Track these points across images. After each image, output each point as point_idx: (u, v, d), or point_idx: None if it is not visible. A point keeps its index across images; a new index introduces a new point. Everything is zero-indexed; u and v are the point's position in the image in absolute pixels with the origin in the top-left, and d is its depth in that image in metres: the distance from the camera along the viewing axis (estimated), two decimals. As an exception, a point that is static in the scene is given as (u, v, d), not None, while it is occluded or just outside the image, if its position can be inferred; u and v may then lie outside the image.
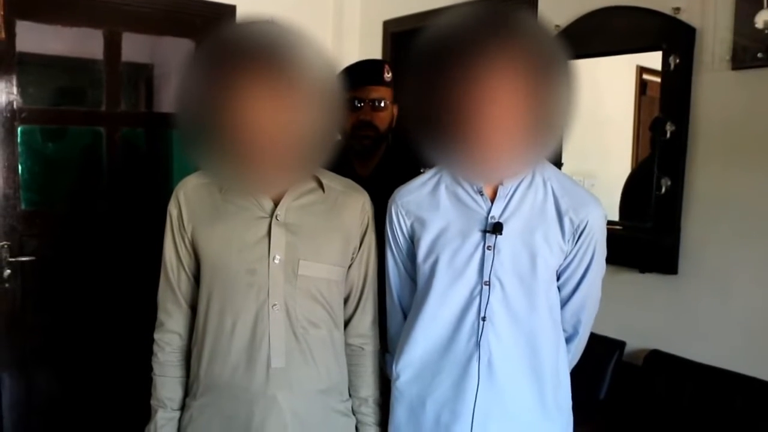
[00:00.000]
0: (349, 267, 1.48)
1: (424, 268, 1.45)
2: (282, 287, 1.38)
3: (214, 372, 1.40)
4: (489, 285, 1.38)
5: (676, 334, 2.18)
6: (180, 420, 1.47)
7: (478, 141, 1.16)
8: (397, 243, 1.52)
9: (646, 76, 2.38)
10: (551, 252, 1.39)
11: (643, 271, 2.23)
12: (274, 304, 1.37)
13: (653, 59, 2.21)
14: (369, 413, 1.51)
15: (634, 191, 2.37)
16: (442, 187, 1.46)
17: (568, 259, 1.42)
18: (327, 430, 1.45)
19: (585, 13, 2.29)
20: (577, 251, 1.41)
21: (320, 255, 1.41)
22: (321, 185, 1.44)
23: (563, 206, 1.39)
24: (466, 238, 1.40)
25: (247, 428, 1.39)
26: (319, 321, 1.42)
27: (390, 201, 1.52)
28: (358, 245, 1.48)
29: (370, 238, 1.51)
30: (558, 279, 1.45)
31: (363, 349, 1.51)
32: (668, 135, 2.15)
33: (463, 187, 1.43)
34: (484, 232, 1.39)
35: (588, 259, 1.42)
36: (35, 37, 2.74)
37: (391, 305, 1.58)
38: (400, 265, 1.54)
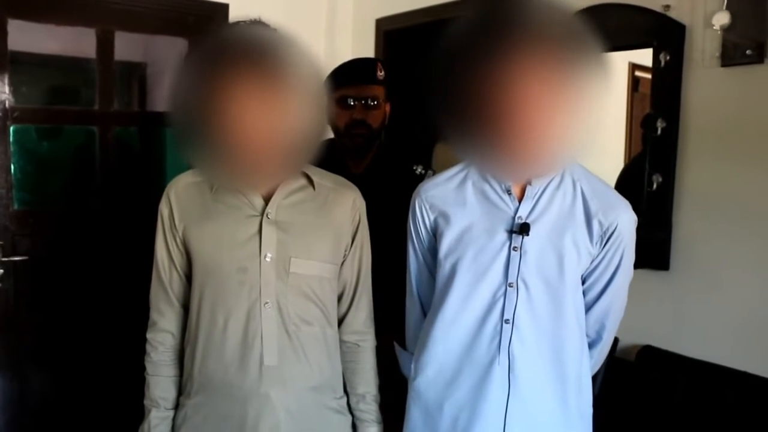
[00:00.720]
0: (342, 264, 1.48)
1: (445, 265, 1.42)
2: (274, 285, 1.38)
3: (208, 370, 1.41)
4: (514, 287, 1.35)
5: (668, 329, 2.19)
6: (174, 419, 1.47)
7: (509, 137, 1.10)
8: (420, 237, 1.50)
9: (638, 73, 2.39)
10: (578, 255, 1.36)
11: (635, 266, 2.23)
12: (266, 302, 1.38)
13: (645, 56, 2.22)
14: (367, 410, 1.51)
15: (626, 187, 2.37)
16: (469, 184, 1.43)
17: (595, 263, 1.39)
18: (320, 428, 1.45)
19: (576, 11, 2.29)
20: (605, 255, 1.38)
21: (312, 252, 1.41)
22: (311, 182, 1.45)
23: (592, 208, 1.36)
24: (492, 238, 1.37)
25: (241, 426, 1.39)
26: (311, 318, 1.42)
27: (414, 194, 1.50)
28: (350, 242, 1.48)
29: (362, 235, 1.51)
30: (583, 283, 1.42)
31: (359, 345, 1.52)
32: (659, 132, 2.15)
33: (490, 185, 1.40)
34: (511, 232, 1.36)
35: (615, 263, 1.39)
36: (27, 36, 2.73)
37: (411, 298, 1.57)
38: (420, 257, 1.52)
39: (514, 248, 1.35)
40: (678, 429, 2.07)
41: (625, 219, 1.37)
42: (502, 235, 1.37)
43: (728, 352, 2.03)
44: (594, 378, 2.26)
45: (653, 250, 2.18)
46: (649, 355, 2.20)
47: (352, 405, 1.51)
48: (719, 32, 1.99)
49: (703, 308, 2.11)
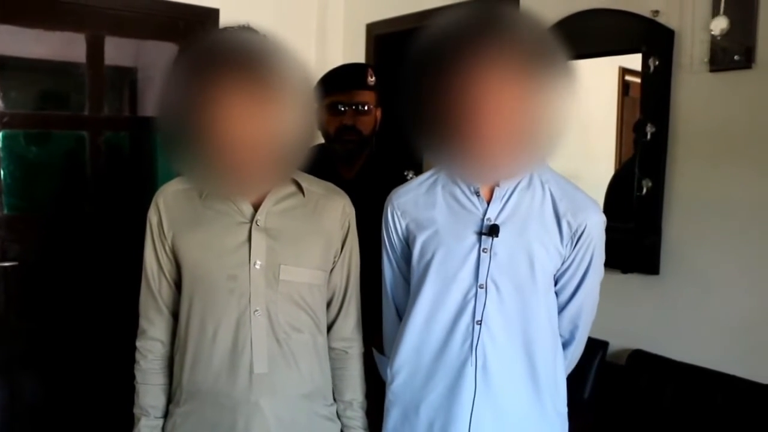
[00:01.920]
0: (331, 271, 1.48)
1: (418, 269, 1.43)
2: (263, 292, 1.37)
3: (197, 379, 1.40)
4: (484, 288, 1.36)
5: (658, 333, 2.20)
6: (163, 428, 1.46)
7: (475, 140, 1.13)
8: (392, 243, 1.51)
9: (628, 78, 2.40)
10: (549, 256, 1.37)
11: (625, 271, 2.24)
12: (256, 310, 1.37)
13: (635, 61, 2.23)
14: (354, 417, 1.51)
15: (617, 192, 2.38)
16: (439, 187, 1.44)
17: (566, 264, 1.40)
18: (311, 435, 1.45)
19: (565, 16, 2.30)
20: (575, 256, 1.39)
21: (301, 259, 1.41)
22: (301, 189, 1.44)
23: (561, 209, 1.37)
24: (461, 240, 1.38)
25: (231, 435, 1.38)
26: (301, 326, 1.42)
27: (386, 201, 1.51)
28: (340, 248, 1.48)
29: (352, 241, 1.50)
30: (555, 284, 1.43)
31: (347, 352, 1.51)
32: (648, 136, 2.17)
33: (459, 188, 1.41)
34: (480, 234, 1.37)
35: (586, 263, 1.40)
36: (16, 41, 2.72)
37: (387, 306, 1.57)
38: (395, 265, 1.53)
39: (484, 250, 1.36)
40: (668, 431, 2.08)
41: (594, 220, 1.39)
42: (472, 237, 1.38)
43: (718, 356, 2.04)
44: (584, 382, 2.28)
45: (643, 255, 2.19)
46: (640, 358, 2.21)
47: (339, 412, 1.51)
48: (718, 37, 1.99)
49: (693, 312, 2.12)
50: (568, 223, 1.37)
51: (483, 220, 1.38)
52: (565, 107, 1.14)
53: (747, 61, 1.95)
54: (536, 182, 1.40)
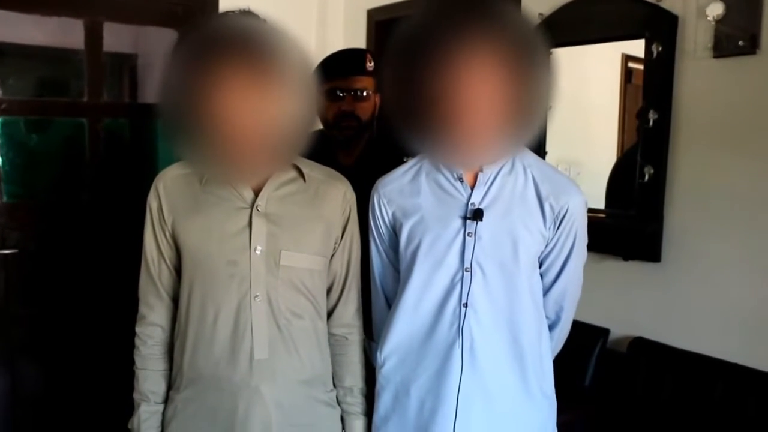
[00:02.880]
0: (332, 257, 1.48)
1: (405, 255, 1.45)
2: (264, 278, 1.37)
3: (198, 364, 1.40)
4: (470, 271, 1.39)
5: (659, 321, 2.20)
6: (164, 413, 1.47)
7: (456, 127, 1.16)
8: (380, 232, 1.52)
9: (631, 64, 2.38)
10: (532, 238, 1.40)
11: (626, 258, 2.24)
12: (256, 295, 1.37)
13: (638, 47, 2.22)
14: (354, 403, 1.52)
15: (619, 179, 2.38)
16: (423, 174, 1.46)
17: (550, 246, 1.43)
18: (311, 421, 1.45)
19: (568, 2, 2.29)
20: (558, 238, 1.42)
21: (302, 245, 1.40)
22: (302, 175, 1.44)
23: (543, 192, 1.40)
24: (447, 225, 1.40)
25: (232, 420, 1.38)
26: (301, 311, 1.42)
27: (372, 190, 1.52)
28: (340, 235, 1.48)
29: (353, 228, 1.50)
30: (540, 266, 1.45)
31: (347, 338, 1.51)
32: (651, 123, 2.15)
33: (443, 174, 1.43)
34: (465, 218, 1.39)
35: (569, 245, 1.43)
36: (14, 27, 2.71)
37: (375, 293, 1.59)
38: (383, 253, 1.54)
39: (469, 234, 1.38)
40: (669, 419, 2.08)
41: (575, 201, 1.41)
42: (457, 222, 1.40)
43: (719, 344, 2.04)
44: (585, 369, 2.28)
45: (645, 242, 2.19)
46: (641, 346, 2.21)
47: (339, 397, 1.51)
48: (712, 23, 1.99)
49: (695, 300, 2.12)
50: (551, 206, 1.39)
51: (467, 204, 1.40)
52: (544, 92, 1.17)
53: (751, 47, 1.94)
54: (518, 167, 1.42)
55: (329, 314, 1.51)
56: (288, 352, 1.40)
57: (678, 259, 2.14)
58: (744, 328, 2.01)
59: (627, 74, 2.42)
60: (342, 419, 1.51)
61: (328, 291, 1.50)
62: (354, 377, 1.52)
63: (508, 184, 1.41)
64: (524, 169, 1.42)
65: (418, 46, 1.15)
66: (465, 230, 1.39)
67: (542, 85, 1.16)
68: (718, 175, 2.05)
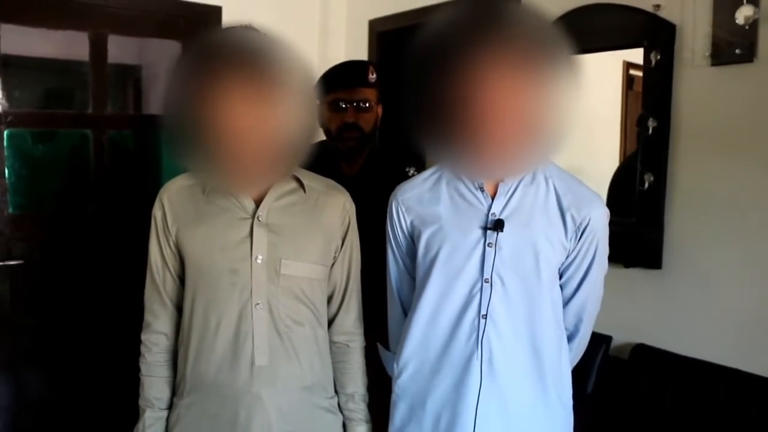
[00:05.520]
0: (332, 266, 1.49)
1: (423, 264, 1.44)
2: (265, 286, 1.39)
3: (200, 371, 1.42)
4: (489, 282, 1.37)
5: (661, 328, 2.20)
6: (167, 419, 1.48)
7: (480, 138, 1.13)
8: (397, 240, 1.51)
9: (632, 72, 2.39)
10: (553, 249, 1.38)
11: (627, 265, 2.25)
12: (257, 303, 1.39)
13: (639, 54, 2.23)
14: (356, 409, 1.53)
15: (619, 186, 2.39)
16: (443, 183, 1.45)
17: (570, 258, 1.41)
18: (312, 427, 1.46)
19: (568, 11, 2.31)
20: (580, 249, 1.40)
21: (302, 254, 1.42)
22: (302, 186, 1.45)
23: (565, 204, 1.38)
24: (467, 235, 1.39)
25: (233, 426, 1.40)
26: (302, 319, 1.43)
27: (391, 197, 1.51)
28: (340, 244, 1.49)
29: (352, 237, 1.52)
30: (560, 278, 1.44)
31: (348, 346, 1.53)
32: (650, 131, 2.17)
33: (464, 183, 1.42)
34: (485, 228, 1.37)
35: (590, 257, 1.41)
36: (20, 40, 2.74)
37: (392, 301, 1.58)
38: (400, 262, 1.54)
39: (489, 244, 1.37)
40: (670, 426, 2.08)
41: (597, 213, 1.40)
42: (477, 232, 1.38)
43: (720, 350, 2.05)
44: (587, 376, 2.28)
45: (646, 249, 2.19)
46: (642, 353, 2.21)
47: (342, 404, 1.53)
48: (744, 27, 1.94)
49: (696, 306, 2.12)
50: (572, 217, 1.38)
51: (488, 215, 1.38)
52: (570, 102, 1.13)
53: (749, 55, 1.95)
54: (540, 177, 1.40)
55: (331, 322, 1.52)
56: (288, 358, 1.41)
57: (678, 266, 2.15)
58: (745, 334, 2.01)
59: (628, 81, 2.43)
60: (344, 426, 1.53)
61: (330, 299, 1.52)
62: (356, 384, 1.53)
63: (529, 195, 1.39)
64: (546, 179, 1.40)
65: (439, 54, 1.12)
66: (485, 240, 1.37)
67: (567, 91, 1.12)
68: (717, 182, 2.06)
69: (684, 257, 2.14)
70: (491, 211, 1.38)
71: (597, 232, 1.40)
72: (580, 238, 1.39)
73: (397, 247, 1.53)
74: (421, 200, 1.46)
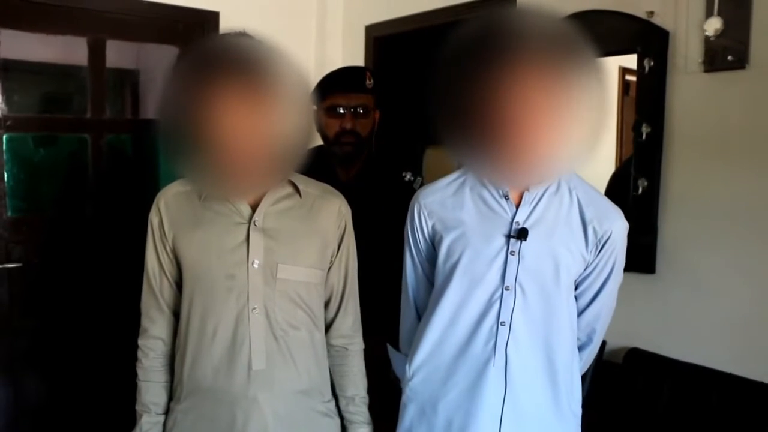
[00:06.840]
0: (329, 270, 1.51)
1: (443, 270, 1.44)
2: (261, 291, 1.40)
3: (197, 375, 1.43)
4: (510, 290, 1.38)
5: (654, 332, 2.21)
6: (164, 424, 1.49)
7: (509, 145, 1.11)
8: (417, 243, 1.52)
9: (628, 77, 2.41)
10: (574, 260, 1.39)
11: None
12: (254, 308, 1.40)
13: (635, 60, 2.25)
14: (357, 412, 1.54)
15: (614, 192, 2.40)
16: (467, 189, 1.45)
17: (589, 269, 1.42)
18: (308, 430, 1.47)
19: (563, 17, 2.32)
20: (598, 262, 1.41)
21: (298, 258, 1.43)
22: (298, 190, 1.47)
23: (588, 216, 1.39)
24: (489, 242, 1.39)
25: (230, 430, 1.40)
26: (298, 323, 1.44)
27: (413, 200, 1.52)
28: (336, 248, 1.51)
29: (348, 241, 1.53)
30: (576, 288, 1.45)
31: (347, 349, 1.54)
32: (644, 136, 2.18)
33: (488, 190, 1.42)
34: (508, 236, 1.38)
35: (608, 269, 1.43)
36: (20, 45, 2.75)
37: (406, 305, 1.59)
38: (418, 265, 1.54)
39: (512, 252, 1.38)
40: (665, 429, 2.09)
41: (618, 227, 1.41)
42: (500, 240, 1.39)
43: (713, 355, 2.06)
44: (582, 380, 2.29)
45: (639, 254, 2.20)
46: (636, 357, 2.22)
47: (342, 407, 1.54)
48: (712, 38, 2.00)
49: (689, 311, 2.13)
50: (594, 230, 1.39)
51: (512, 223, 1.39)
52: (597, 108, 1.11)
53: (741, 61, 1.97)
54: (564, 188, 1.41)
55: (329, 326, 1.54)
56: (285, 362, 1.42)
57: (672, 271, 2.17)
58: (738, 338, 2.02)
59: (624, 87, 2.44)
60: (344, 429, 1.54)
61: (327, 303, 1.53)
62: (355, 387, 1.54)
63: (553, 205, 1.40)
64: (570, 190, 1.41)
65: (468, 60, 1.11)
66: (508, 249, 1.38)
67: (594, 96, 1.10)
68: (710, 188, 2.07)
69: (677, 262, 2.15)
70: (515, 220, 1.39)
71: (617, 246, 1.41)
72: (600, 251, 1.40)
73: (416, 251, 1.53)
74: (444, 205, 1.46)
